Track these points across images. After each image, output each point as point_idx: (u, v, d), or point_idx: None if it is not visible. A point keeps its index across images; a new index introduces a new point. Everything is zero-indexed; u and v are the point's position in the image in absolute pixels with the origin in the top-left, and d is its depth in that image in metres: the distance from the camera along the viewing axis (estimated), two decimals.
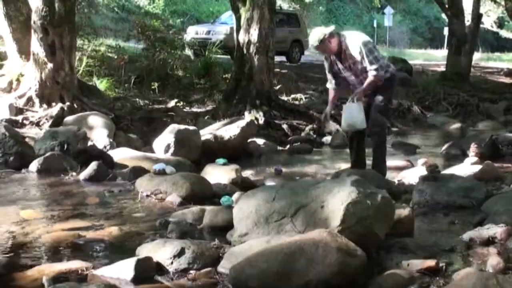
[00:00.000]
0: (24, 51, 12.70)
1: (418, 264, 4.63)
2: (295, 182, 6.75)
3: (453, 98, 18.56)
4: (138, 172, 7.85)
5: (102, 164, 7.96)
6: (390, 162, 9.98)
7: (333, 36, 7.89)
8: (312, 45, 8.08)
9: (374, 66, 7.80)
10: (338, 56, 8.03)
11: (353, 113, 8.01)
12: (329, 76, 8.37)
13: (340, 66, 8.11)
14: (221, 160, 8.14)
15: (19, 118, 10.96)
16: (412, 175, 8.27)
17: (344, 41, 7.89)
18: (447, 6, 23.09)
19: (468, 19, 22.83)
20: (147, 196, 6.92)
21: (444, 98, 18.54)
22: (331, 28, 8.10)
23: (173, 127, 9.52)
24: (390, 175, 8.49)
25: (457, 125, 15.46)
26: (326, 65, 8.32)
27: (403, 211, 5.77)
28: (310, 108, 14.26)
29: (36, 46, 11.45)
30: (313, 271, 4.23)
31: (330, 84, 8.41)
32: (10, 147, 8.35)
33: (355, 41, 7.87)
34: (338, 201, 4.81)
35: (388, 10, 45.71)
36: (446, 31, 31.79)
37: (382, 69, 7.91)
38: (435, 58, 38.07)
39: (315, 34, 7.93)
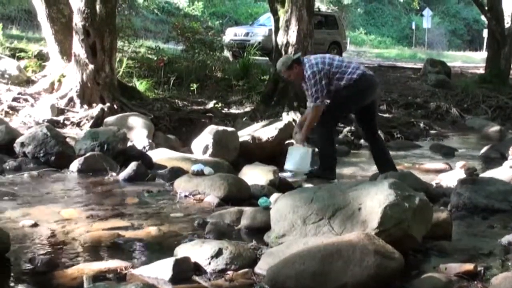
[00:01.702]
0: (66, 52, 12.85)
1: (456, 267, 4.59)
2: (333, 184, 6.73)
3: (492, 101, 18.34)
4: (177, 172, 7.88)
5: (141, 164, 8.01)
6: (429, 164, 9.95)
7: (299, 62, 8.22)
8: (278, 71, 8.60)
9: (313, 97, 8.12)
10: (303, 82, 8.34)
11: (298, 157, 8.58)
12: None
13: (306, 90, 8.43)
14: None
15: (61, 118, 11.07)
16: (450, 178, 8.19)
17: (304, 69, 8.16)
18: (486, 8, 22.86)
19: (508, 21, 22.57)
20: (185, 196, 6.95)
21: (483, 100, 18.33)
22: (297, 54, 8.75)
23: (212, 128, 9.53)
24: (428, 178, 8.43)
25: (496, 127, 15.28)
26: None
27: (441, 214, 5.73)
28: None
29: (78, 47, 11.56)
30: (350, 273, 4.22)
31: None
32: (52, 147, 8.44)
33: (306, 70, 8.11)
34: (375, 204, 4.79)
35: (427, 12, 45.42)
36: (485, 33, 31.45)
37: (323, 99, 8.15)
38: (474, 60, 37.72)
39: (282, 60, 8.41)
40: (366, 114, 8.59)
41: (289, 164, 8.61)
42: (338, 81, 8.13)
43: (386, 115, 15.47)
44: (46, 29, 13.32)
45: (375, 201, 4.81)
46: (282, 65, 8.26)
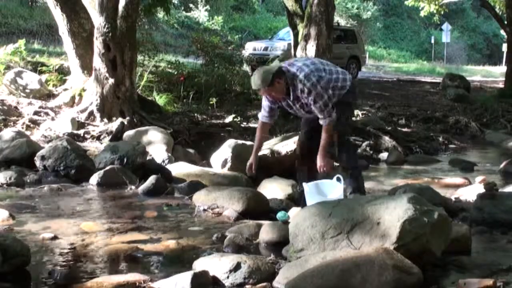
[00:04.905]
0: (87, 66, 12.92)
1: (475, 283, 4.55)
2: (351, 198, 6.70)
3: (511, 115, 18.26)
4: (196, 186, 7.88)
5: (160, 178, 8.01)
6: (448, 179, 9.89)
7: (280, 75, 6.57)
8: (256, 89, 6.80)
9: (325, 113, 6.65)
10: (286, 95, 6.77)
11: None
12: (264, 104, 7.06)
13: (289, 102, 6.86)
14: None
15: (81, 132, 11.10)
16: (470, 193, 8.14)
17: (292, 81, 6.60)
18: (505, 22, 22.77)
19: None
20: (204, 210, 6.95)
21: (502, 115, 18.25)
22: (277, 64, 6.79)
23: (231, 142, 9.53)
24: (447, 192, 8.38)
25: None
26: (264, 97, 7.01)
27: (460, 229, 5.70)
28: (367, 124, 14.17)
29: (98, 61, 11.61)
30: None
31: (263, 116, 7.15)
32: (72, 160, 8.47)
33: (302, 82, 6.56)
34: (394, 218, 4.76)
35: (446, 26, 45.33)
36: (504, 47, 31.32)
37: (333, 110, 6.68)
38: (493, 75, 37.63)
39: (260, 75, 6.54)
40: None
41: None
42: (340, 91, 6.86)
43: (405, 129, 15.43)
44: (67, 43, 13.41)
45: (394, 215, 4.78)
46: (262, 82, 6.51)
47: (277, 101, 6.91)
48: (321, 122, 6.75)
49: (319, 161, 6.79)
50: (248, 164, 7.26)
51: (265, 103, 7.04)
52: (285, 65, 6.79)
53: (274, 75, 6.50)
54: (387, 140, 13.07)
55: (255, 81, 6.58)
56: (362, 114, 15.81)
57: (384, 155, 12.36)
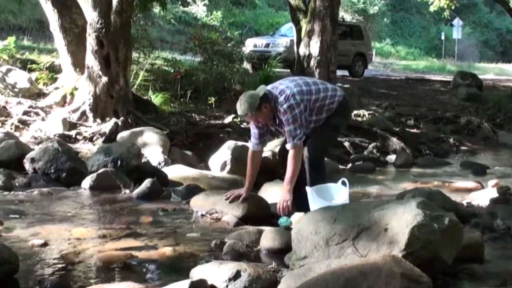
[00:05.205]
0: (79, 64, 12.89)
1: None
2: (357, 203, 6.69)
3: None
4: (193, 190, 7.88)
5: (156, 181, 8.01)
6: (459, 183, 9.88)
7: (267, 99, 6.49)
8: (243, 115, 6.61)
9: (291, 138, 6.46)
10: (272, 120, 6.70)
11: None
12: (254, 132, 6.90)
13: (277, 128, 6.80)
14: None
15: (72, 133, 11.09)
16: (482, 197, 8.13)
17: (275, 104, 6.51)
18: None
19: None
20: (202, 215, 6.94)
21: None
22: (263, 88, 6.64)
23: (230, 143, 9.54)
24: (458, 197, 8.37)
25: None
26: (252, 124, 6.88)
27: (472, 236, 5.69)
28: (374, 125, 14.17)
29: (91, 59, 11.60)
30: None
31: (254, 145, 6.96)
32: (63, 163, 8.46)
33: (281, 104, 6.44)
34: (402, 224, 4.75)
35: (457, 21, 45.30)
36: None
37: (301, 137, 6.47)
38: (507, 73, 37.62)
39: (246, 100, 6.45)
40: None
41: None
42: (329, 106, 6.73)
43: (414, 130, 15.44)
44: (59, 39, 13.40)
45: (402, 221, 4.78)
46: (249, 108, 6.40)
47: (264, 126, 6.79)
48: (287, 146, 6.56)
49: (281, 196, 6.49)
50: (241, 199, 6.91)
51: (254, 130, 6.88)
52: (269, 89, 6.66)
53: (262, 99, 6.42)
54: (395, 142, 13.09)
55: (242, 107, 6.45)
56: (368, 114, 15.80)
57: (392, 158, 12.35)
